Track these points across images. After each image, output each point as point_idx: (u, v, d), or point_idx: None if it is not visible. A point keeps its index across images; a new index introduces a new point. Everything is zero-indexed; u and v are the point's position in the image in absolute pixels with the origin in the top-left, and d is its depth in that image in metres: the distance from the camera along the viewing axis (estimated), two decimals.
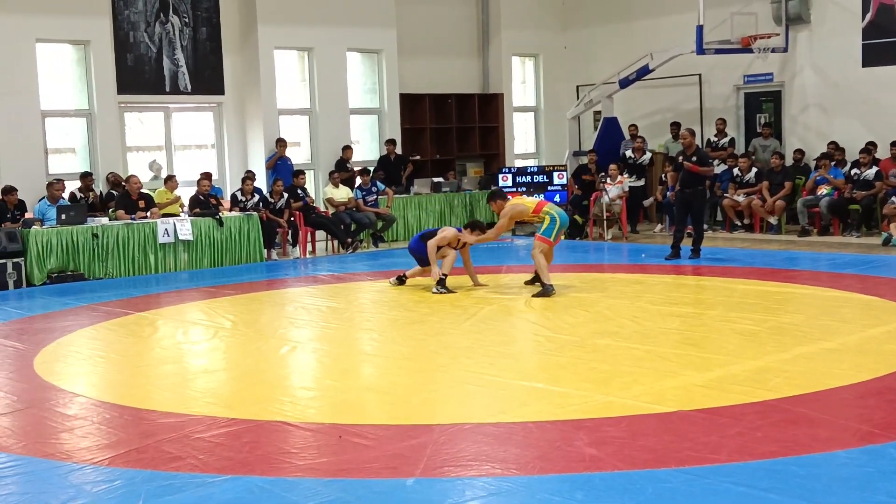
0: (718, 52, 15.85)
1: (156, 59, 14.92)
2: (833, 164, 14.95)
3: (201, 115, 15.95)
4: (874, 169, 14.41)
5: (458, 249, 10.62)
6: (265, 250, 14.09)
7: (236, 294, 10.99)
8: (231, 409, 6.13)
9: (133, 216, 13.12)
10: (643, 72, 16.72)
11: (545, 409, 5.81)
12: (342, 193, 15.34)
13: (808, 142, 16.20)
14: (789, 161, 15.82)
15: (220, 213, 13.69)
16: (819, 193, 14.72)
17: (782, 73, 16.50)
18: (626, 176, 15.96)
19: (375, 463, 4.93)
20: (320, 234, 15.26)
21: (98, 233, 12.52)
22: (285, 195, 14.54)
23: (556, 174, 16.49)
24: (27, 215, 12.77)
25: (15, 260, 11.95)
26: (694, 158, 12.35)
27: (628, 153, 16.40)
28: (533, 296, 9.85)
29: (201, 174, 14.33)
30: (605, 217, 15.45)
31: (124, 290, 11.50)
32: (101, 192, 13.99)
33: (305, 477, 4.78)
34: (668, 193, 15.02)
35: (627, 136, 17.46)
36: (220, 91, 15.69)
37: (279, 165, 15.58)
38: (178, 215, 13.63)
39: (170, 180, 14.11)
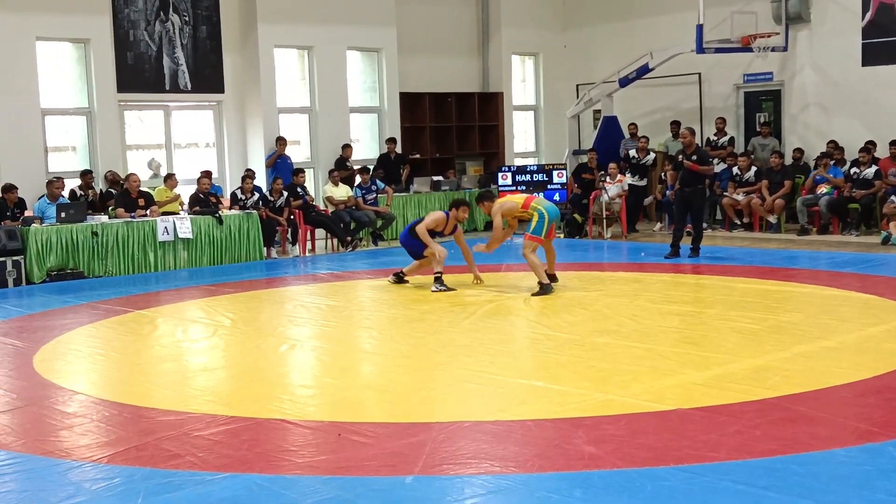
0: (718, 51, 15.86)
1: (156, 57, 14.92)
2: (833, 163, 14.96)
3: (201, 114, 15.95)
4: (874, 168, 14.41)
5: (451, 235, 10.77)
6: (265, 248, 14.09)
7: (236, 292, 10.99)
8: (230, 406, 6.13)
9: (133, 214, 13.12)
10: (643, 71, 16.72)
11: (544, 407, 5.81)
12: (342, 192, 15.34)
13: (808, 141, 16.20)
14: (789, 160, 15.82)
15: (220, 212, 13.69)
16: (819, 192, 14.72)
17: (782, 72, 16.51)
18: (625, 175, 15.96)
19: (374, 461, 4.93)
20: (320, 232, 15.26)
21: (98, 231, 12.52)
22: (285, 193, 14.54)
23: (555, 173, 16.49)
24: (27, 213, 12.78)
25: (15, 258, 11.95)
26: (694, 157, 12.35)
27: (632, 153, 16.38)
28: (532, 294, 9.86)
29: (201, 172, 14.33)
30: (604, 216, 15.46)
31: (124, 288, 11.51)
32: (100, 191, 13.99)
33: (304, 475, 4.79)
34: (667, 192, 15.02)
35: (627, 135, 17.47)
36: (220, 89, 15.70)
37: (279, 164, 15.59)
38: (178, 213, 13.63)
39: (170, 179, 14.12)
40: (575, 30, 19.58)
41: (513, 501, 4.40)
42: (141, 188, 13.62)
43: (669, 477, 4.54)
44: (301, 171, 15.31)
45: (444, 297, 10.02)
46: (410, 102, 17.92)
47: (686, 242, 12.59)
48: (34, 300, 10.99)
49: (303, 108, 16.61)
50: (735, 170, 15.63)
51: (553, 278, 10.22)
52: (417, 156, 17.92)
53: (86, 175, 13.81)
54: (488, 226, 16.74)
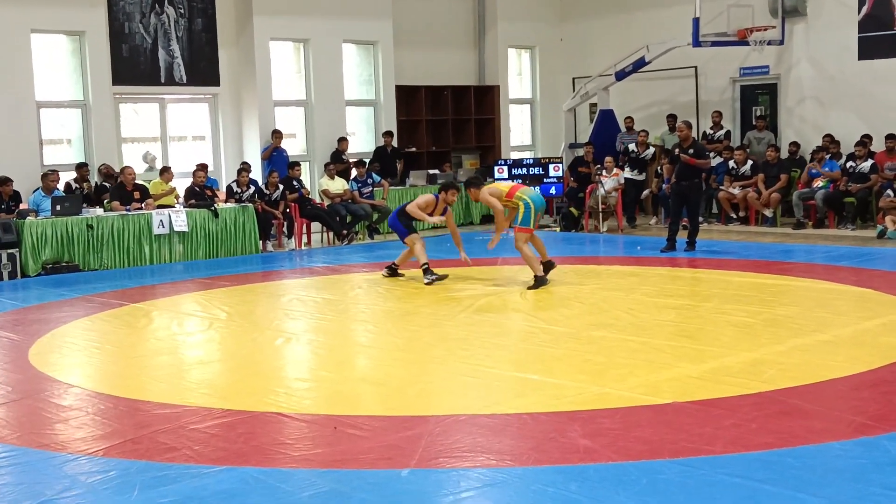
0: (715, 44, 15.85)
1: (151, 50, 14.88)
2: (829, 156, 14.96)
3: (196, 107, 15.91)
4: (870, 162, 14.42)
5: (443, 216, 10.90)
6: (260, 242, 14.07)
7: (231, 285, 10.98)
8: (226, 400, 6.13)
9: (128, 207, 13.10)
10: (639, 64, 16.71)
11: (540, 400, 5.81)
12: (338, 185, 15.32)
13: (804, 134, 16.20)
14: (785, 154, 15.82)
15: (216, 205, 13.67)
16: (815, 186, 14.73)
17: (778, 65, 16.50)
18: (621, 170, 15.95)
19: (370, 454, 4.93)
20: (316, 225, 15.25)
21: (93, 224, 12.50)
22: (281, 187, 14.52)
23: (551, 166, 16.48)
24: (22, 206, 12.75)
25: (9, 251, 11.93)
26: (691, 151, 12.35)
27: (631, 147, 16.34)
28: (528, 288, 9.86)
29: (197, 165, 14.31)
30: (600, 209, 15.45)
31: (119, 282, 11.49)
32: (95, 184, 13.96)
33: (300, 468, 4.79)
34: (663, 186, 15.02)
35: (623, 129, 17.47)
36: (216, 82, 15.66)
37: (275, 157, 15.57)
38: (174, 206, 13.61)
39: (165, 171, 14.10)
40: (571, 23, 19.56)
41: (509, 494, 4.40)
42: (136, 181, 13.58)
43: (665, 470, 4.55)
44: (297, 164, 15.29)
45: (439, 291, 10.02)
46: (406, 95, 17.89)
47: (682, 236, 12.60)
48: (29, 293, 10.96)
49: (299, 101, 16.58)
50: (731, 163, 15.63)
51: (550, 264, 10.19)
52: (413, 149, 17.90)
53: (81, 168, 13.78)
54: (485, 220, 16.76)
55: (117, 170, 14.05)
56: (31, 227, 12.10)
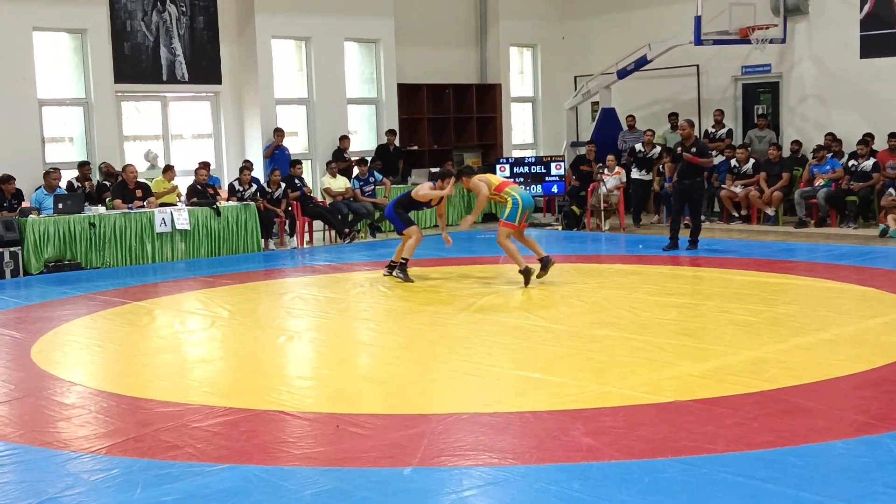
0: (716, 42, 15.84)
1: (153, 48, 14.88)
2: (830, 155, 14.95)
3: (198, 105, 15.92)
4: (872, 160, 14.41)
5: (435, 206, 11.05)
6: (262, 240, 14.08)
7: (233, 284, 10.98)
8: (228, 398, 6.13)
9: (130, 205, 13.10)
10: (641, 62, 16.70)
11: (542, 398, 5.81)
12: (339, 183, 15.32)
13: (806, 133, 16.19)
14: (787, 152, 15.81)
15: (218, 203, 13.68)
16: (817, 185, 14.72)
17: (780, 64, 16.49)
18: (624, 169, 15.93)
19: (372, 452, 4.93)
20: (318, 223, 15.25)
21: (95, 222, 12.51)
22: (283, 185, 14.53)
23: (553, 165, 16.48)
24: (24, 204, 12.76)
25: (12, 249, 11.94)
26: (693, 149, 12.34)
27: (638, 147, 16.26)
28: (525, 285, 9.85)
29: (199, 163, 14.32)
30: (602, 208, 15.45)
31: (121, 280, 11.49)
32: (96, 183, 13.97)
33: (302, 466, 4.79)
34: (665, 184, 15.01)
35: (625, 127, 17.46)
36: (218, 80, 15.66)
37: (276, 155, 15.57)
38: (176, 205, 13.61)
39: (168, 170, 14.10)
40: (573, 21, 19.55)
41: (511, 493, 4.40)
42: (138, 179, 13.59)
43: (667, 469, 4.55)
44: (298, 162, 15.29)
45: (441, 290, 10.03)
46: (408, 94, 17.89)
47: (684, 235, 12.59)
48: (31, 291, 10.97)
49: (300, 99, 16.58)
50: (733, 162, 15.63)
51: (548, 260, 10.12)
52: (415, 147, 17.91)
53: (83, 166, 13.78)
54: (487, 218, 16.74)
55: (117, 168, 14.06)
56: (34, 225, 12.11)
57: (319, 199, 15.41)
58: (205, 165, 14.30)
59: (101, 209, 12.91)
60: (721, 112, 16.78)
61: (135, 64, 14.73)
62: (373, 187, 15.62)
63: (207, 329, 8.59)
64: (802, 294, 9.40)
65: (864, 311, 8.29)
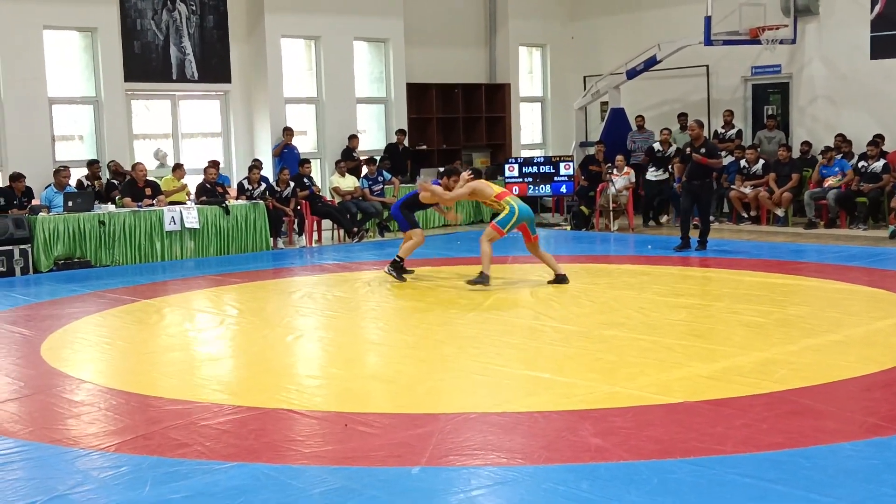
0: (726, 43, 15.80)
1: (163, 46, 14.92)
2: (840, 156, 14.91)
3: (208, 104, 15.95)
4: (882, 161, 14.35)
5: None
6: (271, 239, 14.10)
7: (242, 282, 11.00)
8: (237, 396, 6.14)
9: (140, 204, 13.13)
10: (651, 62, 16.68)
11: (551, 399, 5.81)
12: (348, 182, 15.34)
13: (816, 134, 16.15)
14: (797, 153, 15.78)
15: (227, 202, 13.70)
16: (826, 185, 14.67)
17: (790, 64, 16.45)
18: (628, 169, 15.88)
19: (381, 451, 4.93)
20: (326, 223, 15.26)
21: (105, 220, 12.54)
22: (291, 184, 14.54)
23: (562, 165, 16.47)
24: (34, 202, 12.80)
25: (22, 246, 11.98)
26: (703, 150, 12.32)
27: (656, 146, 16.14)
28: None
29: (208, 162, 14.35)
30: (611, 208, 15.43)
31: (130, 278, 11.52)
32: (105, 181, 14.00)
33: (311, 464, 4.79)
34: (674, 185, 14.98)
35: (634, 127, 17.43)
36: (227, 79, 15.69)
37: (285, 154, 15.59)
38: (185, 203, 13.64)
39: (178, 168, 14.13)
40: (582, 21, 19.53)
41: (519, 493, 4.40)
42: (147, 178, 13.62)
43: (676, 469, 4.54)
44: (307, 161, 15.31)
45: (449, 289, 10.01)
46: (417, 93, 17.90)
47: (693, 235, 12.57)
48: (41, 289, 11.01)
49: (309, 98, 16.60)
50: (743, 162, 15.59)
51: (563, 278, 10.07)
52: (424, 146, 17.92)
53: (92, 165, 13.83)
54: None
55: (125, 167, 14.10)
56: (44, 223, 12.14)
57: (328, 198, 15.43)
58: (214, 164, 14.33)
59: (111, 207, 12.94)
60: (731, 112, 16.74)
61: (145, 62, 14.76)
62: (381, 186, 15.63)
63: (216, 327, 8.60)
64: (812, 295, 9.37)
65: (873, 312, 8.26)
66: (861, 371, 6.23)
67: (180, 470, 4.74)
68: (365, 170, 15.71)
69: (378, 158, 16.22)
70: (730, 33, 15.63)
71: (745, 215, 15.49)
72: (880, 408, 5.50)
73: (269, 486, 4.50)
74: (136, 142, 15.19)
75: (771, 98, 17.06)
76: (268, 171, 15.26)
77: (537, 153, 19.31)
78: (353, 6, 16.59)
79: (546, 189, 16.43)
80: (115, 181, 13.89)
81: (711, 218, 13.35)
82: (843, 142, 15.18)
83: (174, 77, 15.08)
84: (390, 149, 16.90)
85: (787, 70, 16.52)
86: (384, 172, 15.89)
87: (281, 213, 14.27)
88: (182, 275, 11.90)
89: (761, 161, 15.48)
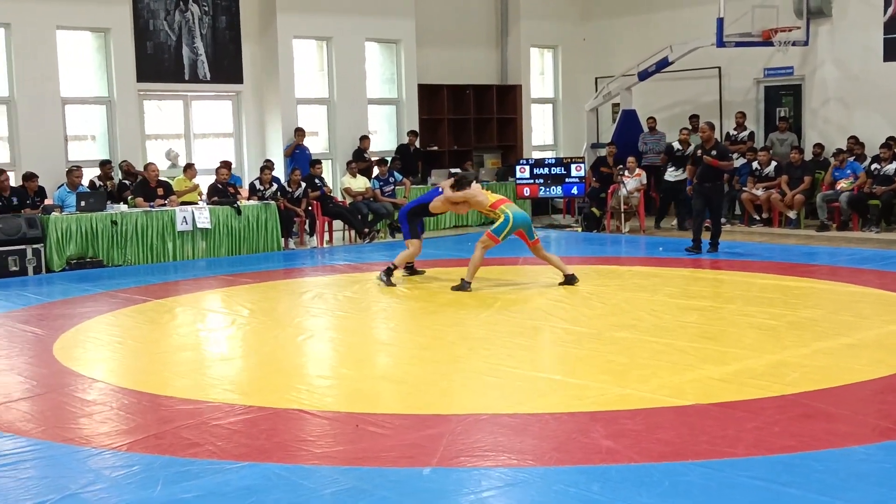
0: (739, 45, 15.77)
1: (175, 47, 14.96)
2: (852, 158, 14.85)
3: (220, 104, 15.99)
4: (894, 164, 14.29)
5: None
6: (282, 239, 14.12)
7: (254, 282, 11.02)
8: (248, 396, 6.15)
9: (152, 204, 13.17)
10: (662, 64, 16.65)
11: (562, 400, 5.80)
12: (359, 183, 15.35)
13: (829, 136, 16.09)
14: (808, 155, 15.73)
15: (238, 202, 13.73)
16: (838, 188, 14.62)
17: (803, 66, 16.40)
18: (639, 171, 15.85)
19: (392, 452, 4.94)
20: (337, 223, 15.28)
21: (117, 220, 12.58)
22: (303, 184, 14.57)
23: (573, 166, 16.45)
24: (47, 202, 12.85)
25: (34, 246, 12.02)
26: (713, 152, 12.29)
27: (675, 145, 16.03)
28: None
29: (220, 163, 14.38)
30: (622, 210, 15.41)
31: (142, 278, 11.56)
32: (118, 181, 14.05)
33: (322, 465, 4.80)
34: (686, 187, 14.95)
35: (646, 129, 17.40)
36: (239, 80, 15.73)
37: (297, 154, 15.62)
38: (197, 203, 13.67)
39: (189, 169, 14.17)
40: (594, 22, 19.51)
41: (530, 494, 4.40)
42: (159, 178, 13.66)
43: (687, 472, 4.53)
44: (318, 162, 15.33)
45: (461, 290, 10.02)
46: (428, 94, 17.90)
47: (705, 237, 12.55)
48: (54, 288, 11.05)
49: (321, 99, 16.63)
50: (755, 164, 15.55)
51: (573, 277, 10.09)
52: (435, 147, 17.93)
53: (104, 165, 13.87)
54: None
55: (137, 167, 14.15)
56: (56, 222, 12.19)
57: (339, 198, 15.44)
58: (226, 165, 14.36)
59: (123, 207, 12.98)
60: (743, 114, 16.70)
61: (157, 63, 14.81)
62: (392, 187, 15.64)
63: (227, 327, 8.62)
64: (824, 298, 9.34)
65: (886, 315, 8.23)
66: (873, 374, 6.21)
67: (191, 469, 4.75)
68: (376, 171, 15.73)
69: (389, 159, 16.22)
70: (742, 35, 15.60)
71: (757, 217, 15.45)
72: (893, 411, 5.48)
73: (280, 486, 4.51)
74: (148, 142, 15.24)
75: (783, 100, 17.01)
76: (279, 171, 15.28)
77: (548, 154, 19.29)
78: (365, 7, 16.61)
79: (557, 190, 16.42)
80: (127, 181, 13.94)
81: (723, 220, 13.31)
82: (855, 144, 15.13)
83: (186, 77, 15.13)
84: (401, 150, 16.92)
85: (800, 72, 16.47)
86: (395, 173, 15.91)
87: (292, 214, 14.29)
88: (193, 275, 11.94)
89: (773, 163, 15.43)
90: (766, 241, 13.76)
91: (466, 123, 18.46)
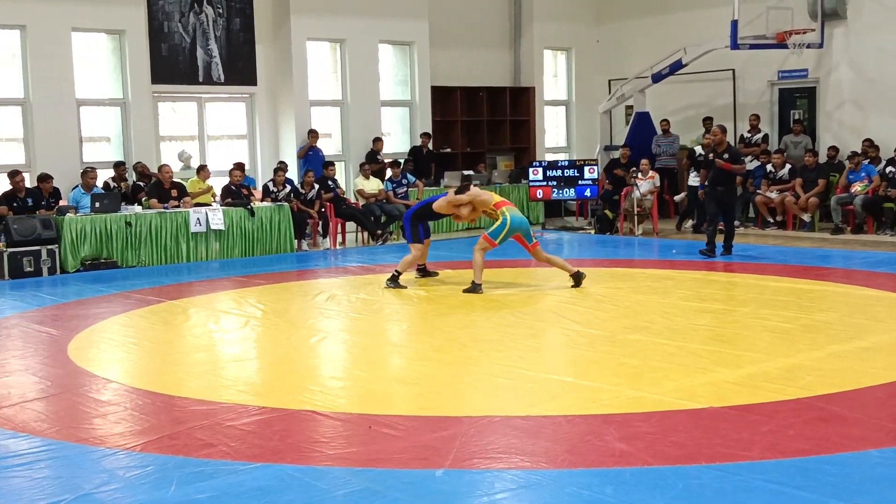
0: (753, 47, 15.72)
1: (189, 49, 15.01)
2: (867, 161, 14.79)
3: (234, 106, 16.03)
4: None
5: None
6: (296, 241, 14.15)
7: (267, 284, 11.04)
8: (262, 397, 6.17)
9: (165, 205, 13.21)
10: (676, 66, 16.62)
11: (575, 403, 5.80)
12: (372, 185, 15.37)
13: (843, 138, 16.03)
14: (823, 158, 15.67)
15: (252, 204, 13.76)
16: (853, 191, 14.56)
17: (817, 69, 16.35)
18: (652, 173, 15.81)
19: (405, 454, 4.94)
20: (350, 225, 15.30)
21: (131, 221, 12.63)
22: (316, 186, 14.59)
23: (587, 168, 16.42)
24: (62, 203, 12.91)
25: (49, 247, 12.08)
26: (726, 156, 12.25)
27: (698, 150, 15.93)
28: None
29: (234, 164, 14.42)
30: (635, 212, 15.38)
31: (156, 279, 11.59)
32: (131, 183, 14.10)
33: (335, 466, 4.81)
34: (698, 191, 14.90)
35: (659, 131, 17.37)
36: (253, 82, 15.77)
37: (310, 156, 15.65)
38: (210, 205, 13.71)
39: (203, 170, 14.21)
40: (608, 24, 19.49)
41: (543, 497, 4.39)
42: (173, 179, 13.71)
43: (701, 475, 4.52)
44: (331, 163, 15.36)
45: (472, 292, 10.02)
46: (442, 96, 17.91)
47: (718, 240, 12.51)
48: (68, 289, 11.10)
49: (334, 100, 16.65)
50: (769, 167, 15.50)
51: (579, 275, 10.08)
52: (448, 150, 17.94)
53: (118, 167, 13.93)
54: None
55: (151, 169, 14.20)
56: (71, 223, 12.24)
57: (352, 200, 15.46)
58: (239, 166, 14.40)
59: (138, 208, 13.03)
60: (757, 117, 16.65)
61: (171, 65, 14.86)
62: (405, 189, 15.65)
63: (241, 328, 8.64)
64: (838, 301, 9.30)
65: None
66: (888, 378, 6.18)
67: (205, 470, 4.77)
68: (389, 172, 15.74)
69: (402, 161, 16.24)
70: (756, 37, 15.55)
71: (771, 220, 15.40)
72: None
73: (293, 487, 4.52)
74: (162, 144, 15.29)
75: (798, 102, 16.95)
76: (293, 173, 15.32)
77: (562, 157, 19.27)
78: (379, 9, 16.63)
79: (570, 193, 16.40)
80: (142, 183, 13.99)
81: (737, 223, 13.26)
82: (870, 147, 15.07)
83: (200, 79, 15.18)
84: (414, 151, 16.93)
85: (814, 74, 16.41)
86: (408, 175, 15.92)
87: (305, 216, 14.31)
88: (207, 276, 11.97)
89: (788, 166, 15.38)
90: (779, 243, 13.71)
91: (479, 125, 18.46)
